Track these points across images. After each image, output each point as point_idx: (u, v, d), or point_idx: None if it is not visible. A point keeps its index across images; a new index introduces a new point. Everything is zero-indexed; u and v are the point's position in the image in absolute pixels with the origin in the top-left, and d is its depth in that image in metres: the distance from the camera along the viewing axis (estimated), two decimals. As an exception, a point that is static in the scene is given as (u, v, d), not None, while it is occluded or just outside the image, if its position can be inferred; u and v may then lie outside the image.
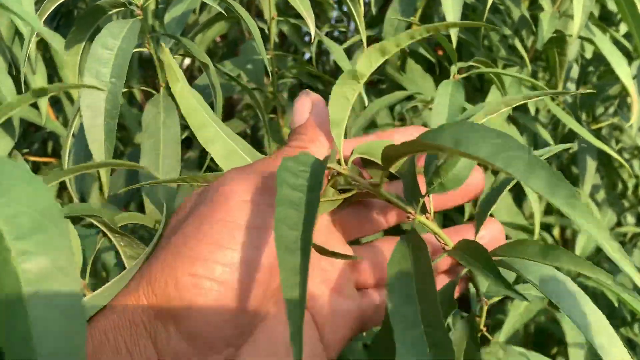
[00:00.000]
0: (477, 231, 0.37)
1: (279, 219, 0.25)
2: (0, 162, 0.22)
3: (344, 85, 0.32)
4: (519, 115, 0.77)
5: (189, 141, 0.78)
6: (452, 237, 0.34)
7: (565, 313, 0.30)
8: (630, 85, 0.65)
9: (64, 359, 0.18)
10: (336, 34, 1.23)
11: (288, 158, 0.28)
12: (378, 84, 0.90)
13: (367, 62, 0.32)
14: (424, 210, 0.35)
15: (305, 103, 0.34)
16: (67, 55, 0.52)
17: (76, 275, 0.20)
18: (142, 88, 0.62)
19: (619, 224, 0.93)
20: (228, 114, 0.90)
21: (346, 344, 0.35)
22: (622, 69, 0.65)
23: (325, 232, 0.36)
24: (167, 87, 0.58)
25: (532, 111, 0.77)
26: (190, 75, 1.09)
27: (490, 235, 0.37)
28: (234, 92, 0.89)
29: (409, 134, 0.36)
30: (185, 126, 0.72)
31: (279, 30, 0.94)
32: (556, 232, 1.00)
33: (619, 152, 0.97)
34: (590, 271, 0.30)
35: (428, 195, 0.34)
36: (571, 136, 0.89)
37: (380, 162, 0.32)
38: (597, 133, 0.93)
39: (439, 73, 0.83)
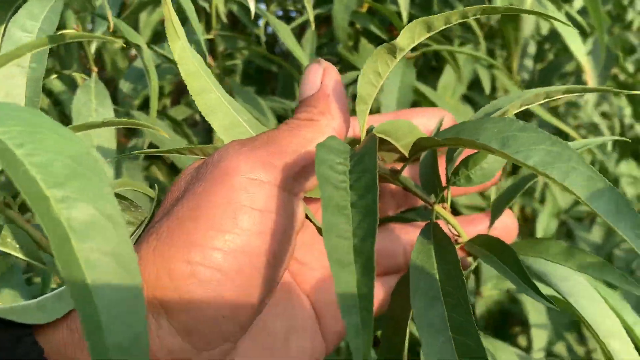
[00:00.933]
0: (491, 223, 0.35)
1: (326, 227, 0.21)
2: (22, 110, 0.21)
3: (377, 59, 0.29)
4: (475, 94, 0.76)
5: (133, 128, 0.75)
6: (463, 227, 0.32)
7: (586, 318, 0.29)
8: (584, 60, 0.63)
9: (125, 307, 0.18)
10: (294, 14, 1.20)
11: (323, 147, 0.24)
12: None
13: (409, 36, 0.28)
14: (440, 199, 0.32)
15: (317, 72, 0.30)
16: (-15, 39, 0.48)
17: (124, 223, 0.19)
18: (76, 73, 0.58)
19: (577, 201, 0.93)
20: (176, 99, 0.86)
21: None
22: (575, 44, 0.63)
23: None
24: (100, 72, 0.54)
25: (488, 90, 0.76)
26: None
27: (503, 226, 0.35)
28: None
29: (430, 116, 0.34)
30: (127, 113, 0.68)
31: (229, 10, 0.90)
32: (516, 210, 1.00)
33: (576, 128, 0.96)
34: (620, 281, 0.28)
35: (449, 187, 0.32)
36: (528, 114, 0.88)
37: (395, 144, 0.30)
38: (554, 110, 0.93)
39: (393, 52, 0.80)
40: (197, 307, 0.25)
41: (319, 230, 0.30)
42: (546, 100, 0.30)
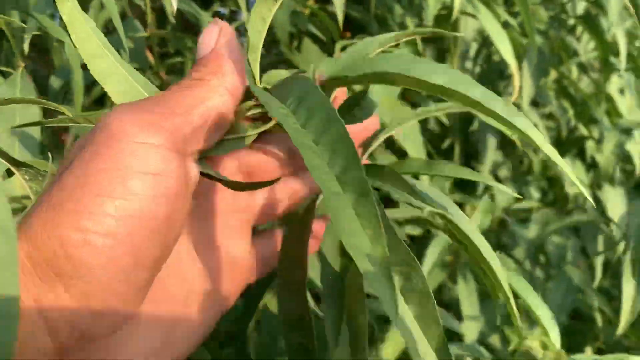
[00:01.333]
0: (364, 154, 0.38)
1: (308, 164, 0.23)
2: None
3: (261, 5, 0.30)
4: (414, 94, 0.78)
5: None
6: None
7: (450, 218, 0.32)
8: (511, 61, 0.65)
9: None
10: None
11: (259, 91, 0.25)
12: (277, 65, 0.89)
13: None
14: None
15: (212, 32, 0.30)
16: None
17: (2, 192, 0.19)
18: (5, 68, 0.59)
19: (516, 199, 0.95)
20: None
21: (242, 290, 0.34)
22: (503, 46, 0.65)
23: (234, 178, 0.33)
24: (27, 66, 0.55)
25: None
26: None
27: (365, 123, 0.36)
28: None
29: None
30: (55, 107, 0.69)
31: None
32: (468, 208, 1.02)
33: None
34: (472, 176, 0.36)
35: None
36: (471, 115, 0.90)
37: None
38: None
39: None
40: (90, 272, 0.25)
41: (225, 183, 0.30)
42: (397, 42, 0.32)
